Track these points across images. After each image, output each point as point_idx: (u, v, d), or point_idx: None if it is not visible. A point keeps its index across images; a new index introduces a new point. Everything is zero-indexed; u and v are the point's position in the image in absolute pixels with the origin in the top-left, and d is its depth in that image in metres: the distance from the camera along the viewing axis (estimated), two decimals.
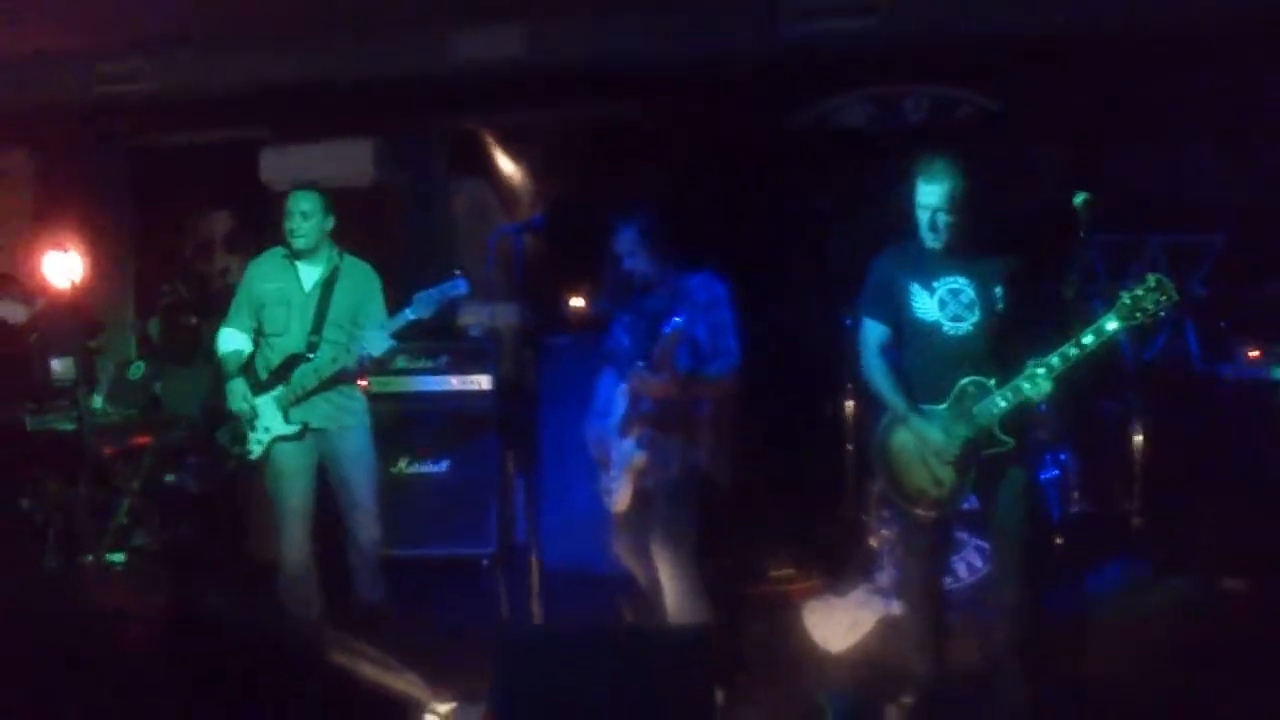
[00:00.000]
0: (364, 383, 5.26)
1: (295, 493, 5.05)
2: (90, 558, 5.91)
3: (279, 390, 4.97)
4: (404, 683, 3.86)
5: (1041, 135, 6.74)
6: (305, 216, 4.97)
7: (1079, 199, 3.89)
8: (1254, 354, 5.59)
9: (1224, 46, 5.96)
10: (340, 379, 4.97)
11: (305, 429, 4.97)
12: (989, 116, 6.83)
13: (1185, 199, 6.56)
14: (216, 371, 7.26)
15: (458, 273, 4.73)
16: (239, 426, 5.02)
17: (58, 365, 6.57)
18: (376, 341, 4.79)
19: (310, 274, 5.07)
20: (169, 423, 6.69)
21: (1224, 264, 6.47)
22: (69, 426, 5.94)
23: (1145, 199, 6.55)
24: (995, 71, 6.69)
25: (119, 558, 6.29)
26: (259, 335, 5.10)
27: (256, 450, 5.00)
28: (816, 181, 7.00)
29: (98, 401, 6.47)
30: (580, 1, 6.59)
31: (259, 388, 5.02)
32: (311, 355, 4.96)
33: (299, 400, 4.95)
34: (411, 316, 4.75)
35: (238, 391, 5.00)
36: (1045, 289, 4.21)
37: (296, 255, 5.04)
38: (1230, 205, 6.45)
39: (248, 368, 5.06)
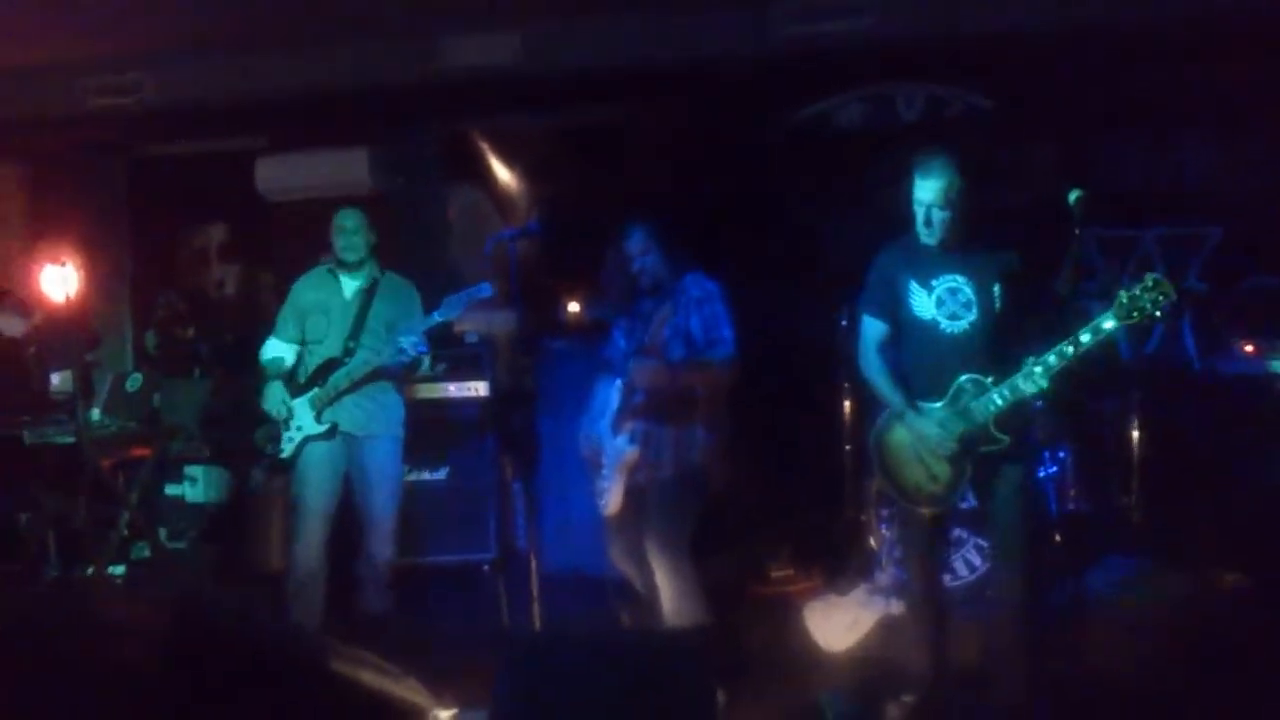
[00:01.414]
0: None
1: (318, 495, 5.17)
2: (90, 570, 5.91)
3: (314, 392, 5.18)
4: (406, 689, 3.86)
5: (1035, 132, 6.75)
6: (352, 232, 5.23)
7: (1073, 195, 3.90)
8: (1249, 348, 5.59)
9: (1216, 40, 5.97)
10: (375, 378, 5.14)
11: (335, 429, 5.14)
12: (982, 114, 6.84)
13: (1180, 193, 6.57)
14: (214, 382, 7.32)
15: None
16: (275, 428, 5.22)
17: (56, 378, 6.58)
18: (411, 341, 4.98)
19: (351, 284, 5.31)
20: (167, 434, 6.68)
21: (1219, 258, 6.47)
22: (67, 439, 5.94)
23: (1140, 194, 6.57)
24: (987, 69, 6.70)
25: (119, 569, 6.30)
26: (302, 344, 5.32)
27: (288, 449, 5.18)
28: (811, 182, 7.01)
29: (95, 414, 6.47)
30: (574, 7, 6.60)
31: (296, 391, 5.21)
32: (347, 360, 5.16)
33: (332, 401, 5.14)
34: (439, 319, 4.96)
35: (276, 395, 5.19)
36: (1041, 285, 4.22)
37: (344, 267, 5.26)
38: (1225, 198, 6.46)
39: (289, 374, 5.27)
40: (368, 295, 5.29)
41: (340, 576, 5.30)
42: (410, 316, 5.24)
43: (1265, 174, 6.33)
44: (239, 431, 6.91)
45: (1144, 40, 6.12)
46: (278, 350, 5.34)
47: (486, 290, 4.84)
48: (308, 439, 5.17)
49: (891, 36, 6.41)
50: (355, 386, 5.13)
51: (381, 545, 5.21)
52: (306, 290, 5.38)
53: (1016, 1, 6.18)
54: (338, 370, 5.16)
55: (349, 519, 5.25)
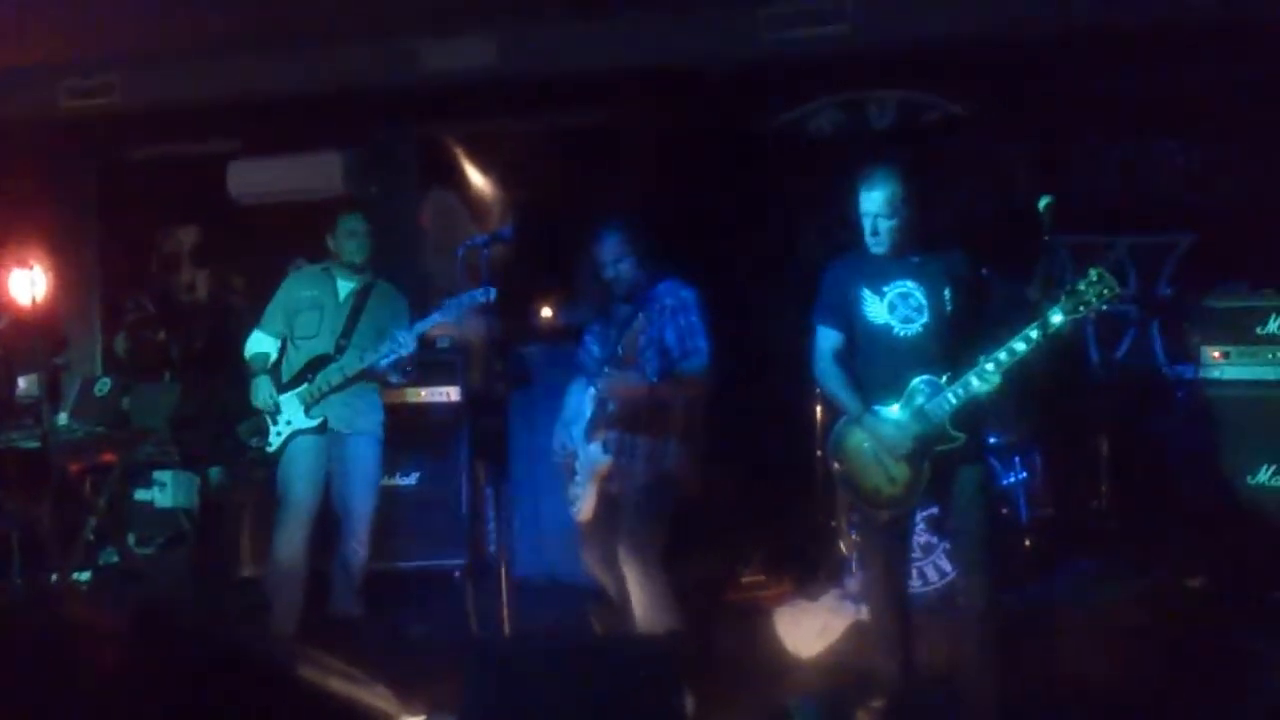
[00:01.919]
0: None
1: (306, 488, 5.21)
2: (55, 577, 5.85)
3: (303, 387, 5.22)
4: (374, 696, 3.84)
5: (1008, 138, 6.78)
6: (363, 235, 5.32)
7: (1042, 202, 3.92)
8: (1217, 354, 5.63)
9: (1190, 47, 6.01)
10: (364, 376, 5.21)
11: (325, 424, 5.20)
12: (956, 121, 6.86)
13: (1152, 200, 6.60)
14: (185, 386, 7.27)
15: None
16: (261, 421, 5.26)
17: (22, 382, 6.52)
18: (404, 341, 5.05)
19: (346, 285, 5.38)
20: (137, 438, 6.63)
21: (1190, 265, 6.51)
22: (33, 444, 5.88)
23: (1112, 200, 6.61)
24: (962, 77, 6.73)
25: (85, 576, 6.24)
26: (288, 340, 5.36)
27: (276, 442, 5.22)
28: (787, 187, 7.02)
29: (63, 418, 6.42)
30: (551, 11, 6.60)
31: (284, 387, 5.25)
32: (338, 357, 5.21)
33: (322, 397, 5.20)
34: (439, 319, 5.06)
35: (263, 388, 5.23)
36: (1009, 290, 4.26)
37: (343, 269, 5.34)
38: (1197, 206, 6.50)
39: (273, 368, 5.31)
40: (361, 297, 5.35)
41: (309, 579, 5.28)
42: (399, 322, 5.30)
43: (1236, 181, 6.38)
44: (209, 435, 6.89)
45: (1117, 47, 6.16)
46: (261, 344, 5.38)
47: (489, 294, 4.83)
48: (297, 433, 5.21)
49: (868, 43, 6.46)
50: (346, 384, 5.19)
51: (359, 545, 5.23)
52: (300, 287, 5.42)
53: (991, 9, 6.22)
54: (328, 366, 5.21)
55: (324, 520, 5.25)
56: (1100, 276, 3.86)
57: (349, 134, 7.42)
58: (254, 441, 5.30)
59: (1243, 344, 5.61)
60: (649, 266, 4.61)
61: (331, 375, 5.19)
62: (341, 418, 5.23)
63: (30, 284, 6.36)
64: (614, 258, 4.60)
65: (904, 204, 4.03)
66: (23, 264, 6.29)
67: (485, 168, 7.76)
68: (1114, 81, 6.44)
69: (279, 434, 5.22)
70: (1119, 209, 6.60)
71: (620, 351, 4.51)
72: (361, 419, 5.28)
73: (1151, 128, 6.56)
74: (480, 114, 7.42)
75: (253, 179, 7.41)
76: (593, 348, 4.72)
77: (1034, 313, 4.00)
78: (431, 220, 7.90)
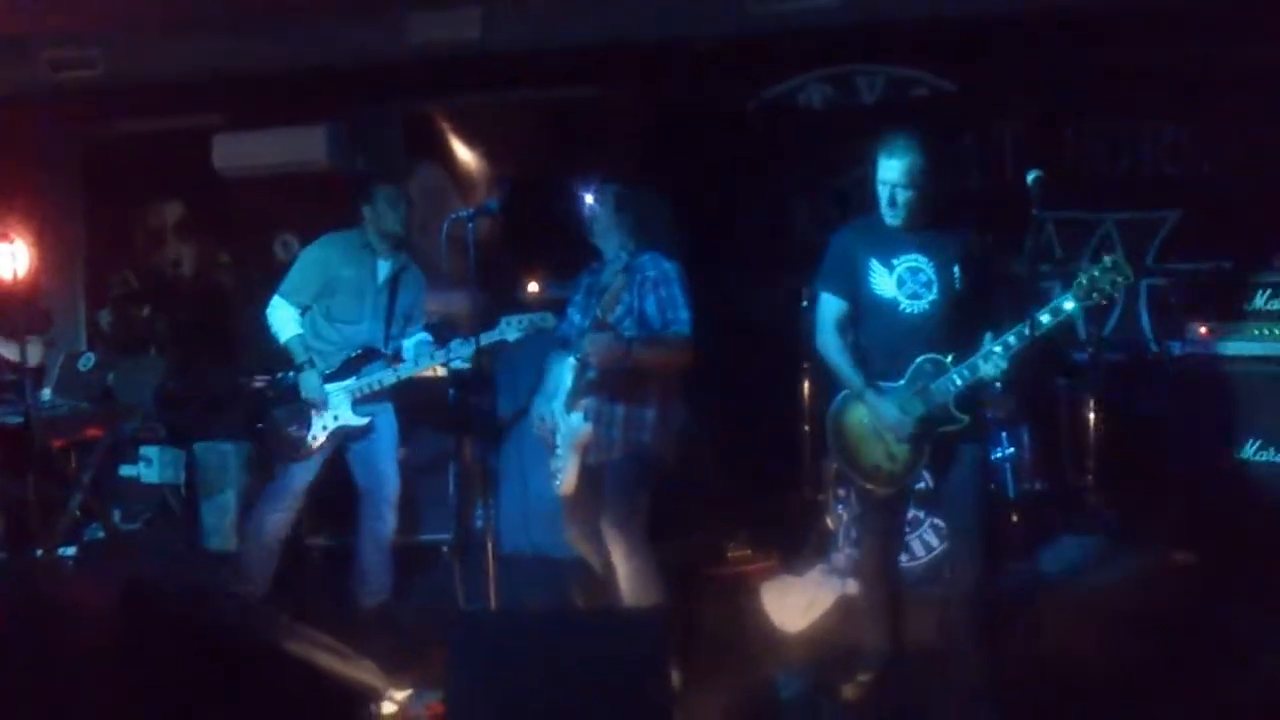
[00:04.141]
0: None
1: (304, 470, 5.17)
2: (40, 552, 5.82)
3: (350, 382, 5.14)
4: (360, 670, 3.85)
5: (996, 115, 6.77)
6: (398, 206, 5.18)
7: (1031, 176, 3.90)
8: (1204, 330, 5.64)
9: (1178, 24, 6.00)
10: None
11: (373, 423, 5.16)
12: (944, 97, 6.85)
13: (1139, 176, 6.61)
14: (170, 362, 7.24)
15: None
16: (302, 410, 5.12)
17: (33, 357, 6.46)
18: (459, 354, 5.01)
19: (385, 267, 5.25)
20: (122, 414, 6.60)
21: (1177, 241, 6.52)
22: (17, 419, 5.84)
23: (1100, 176, 6.61)
24: (950, 53, 6.71)
25: (70, 552, 6.22)
26: (315, 312, 5.21)
27: (320, 436, 5.12)
28: (773, 163, 7.01)
29: (47, 394, 6.38)
30: None
31: (329, 377, 5.15)
32: (389, 353, 5.18)
33: (373, 396, 5.15)
34: (498, 338, 4.87)
35: (313, 381, 5.09)
36: (998, 265, 4.24)
37: (390, 242, 5.20)
38: (1184, 182, 6.51)
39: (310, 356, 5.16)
40: (395, 283, 5.27)
41: (290, 558, 5.27)
42: (420, 307, 5.33)
43: (1223, 158, 6.38)
44: (194, 411, 6.86)
45: (1105, 24, 6.15)
46: (290, 322, 5.18)
47: (546, 320, 4.83)
48: (347, 431, 5.16)
49: (856, 17, 6.43)
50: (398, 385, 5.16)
51: (390, 512, 5.23)
52: (339, 262, 5.22)
53: None
54: (376, 362, 5.17)
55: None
56: (1115, 264, 3.81)
57: (334, 107, 7.37)
58: (291, 430, 5.11)
59: (1230, 320, 5.63)
60: (637, 236, 4.58)
61: (385, 376, 5.12)
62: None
63: (12, 258, 6.31)
64: (600, 224, 4.59)
65: (923, 175, 3.95)
66: (4, 238, 6.23)
67: (472, 141, 7.72)
68: (1102, 58, 6.43)
69: (324, 428, 5.12)
70: (1106, 185, 6.60)
71: (598, 315, 4.49)
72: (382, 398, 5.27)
73: (1139, 104, 6.56)
74: (466, 88, 7.37)
75: (238, 153, 7.36)
76: (575, 318, 4.70)
77: (1024, 288, 4.01)
78: (417, 194, 7.86)
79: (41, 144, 8.02)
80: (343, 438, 5.20)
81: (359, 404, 5.15)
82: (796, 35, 6.66)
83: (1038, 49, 6.45)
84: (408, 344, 5.23)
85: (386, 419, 5.28)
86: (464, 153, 7.73)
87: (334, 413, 5.14)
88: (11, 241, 6.14)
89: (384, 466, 5.25)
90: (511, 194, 4.87)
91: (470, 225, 4.68)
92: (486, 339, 4.85)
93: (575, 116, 7.28)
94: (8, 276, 6.07)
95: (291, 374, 5.17)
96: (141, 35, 7.11)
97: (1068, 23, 6.22)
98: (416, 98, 7.61)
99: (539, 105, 7.44)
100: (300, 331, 5.18)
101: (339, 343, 5.20)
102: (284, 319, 5.20)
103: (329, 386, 5.13)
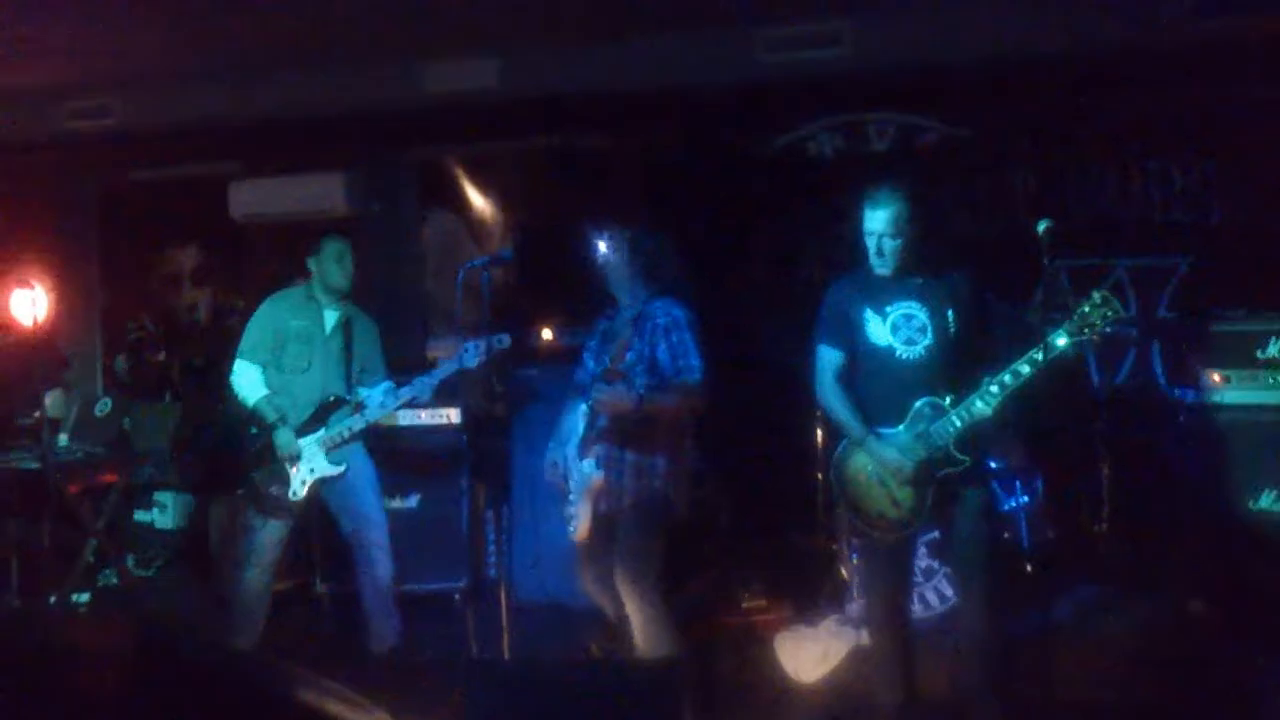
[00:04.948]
0: None
1: (283, 526, 5.17)
2: (53, 598, 5.82)
3: (321, 433, 5.16)
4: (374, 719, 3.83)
5: (1008, 161, 6.79)
6: (343, 260, 5.24)
7: (1041, 226, 3.92)
8: (1217, 377, 5.62)
9: (1189, 70, 6.03)
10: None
11: (348, 470, 5.17)
12: (955, 144, 6.88)
13: (1151, 223, 6.61)
14: (186, 408, 7.26)
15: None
16: (280, 469, 5.13)
17: (48, 400, 6.50)
18: (423, 389, 5.08)
19: (331, 316, 5.31)
20: (136, 460, 6.61)
21: (1189, 288, 6.51)
22: (33, 465, 5.86)
23: (1111, 224, 6.62)
24: (961, 99, 6.75)
25: (84, 597, 6.21)
26: (273, 370, 5.25)
27: (301, 491, 5.14)
28: (787, 209, 7.03)
29: (63, 439, 6.40)
30: (552, 34, 6.62)
31: (299, 431, 5.16)
32: (347, 398, 5.21)
33: (344, 443, 5.16)
34: (457, 367, 5.02)
35: (285, 437, 5.11)
36: (1007, 312, 4.25)
37: (329, 297, 5.27)
38: (1196, 229, 6.50)
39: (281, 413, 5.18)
40: (347, 330, 5.30)
41: (299, 604, 5.25)
42: (377, 354, 5.35)
43: (1235, 204, 6.39)
44: (209, 459, 6.86)
45: (1115, 70, 6.18)
46: (255, 384, 5.22)
47: (506, 341, 4.93)
48: (322, 480, 5.16)
49: (866, 66, 6.48)
50: (366, 430, 5.19)
51: (383, 555, 5.19)
52: (287, 315, 5.30)
53: (988, 33, 6.24)
54: (341, 410, 5.19)
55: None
56: (1104, 299, 3.86)
57: (350, 155, 7.43)
58: (273, 490, 5.12)
59: (1243, 368, 5.60)
60: (650, 282, 4.59)
61: (353, 422, 5.14)
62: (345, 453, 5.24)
63: (32, 304, 6.36)
64: (618, 268, 4.59)
65: (909, 224, 4.01)
66: (24, 284, 6.28)
67: (486, 189, 7.78)
68: (1112, 104, 6.46)
69: (303, 481, 5.14)
70: (1118, 232, 6.60)
71: (608, 363, 4.50)
72: (357, 446, 5.29)
73: (1150, 150, 6.57)
74: (481, 135, 7.44)
75: (254, 199, 7.43)
76: (589, 364, 4.71)
77: (1035, 337, 4.01)
78: (433, 241, 7.92)
79: (60, 191, 8.10)
80: (321, 487, 5.20)
81: (331, 453, 5.16)
82: (807, 84, 6.71)
83: (1049, 95, 6.49)
84: (374, 391, 5.25)
85: (360, 460, 5.27)
86: (478, 199, 7.79)
87: (309, 465, 5.15)
88: (32, 288, 6.19)
89: (366, 509, 5.23)
90: (525, 241, 4.89)
91: (485, 274, 4.72)
92: (446, 368, 5.03)
93: (588, 164, 7.33)
94: (28, 322, 6.11)
95: (257, 431, 5.18)
96: (158, 84, 7.19)
97: (1079, 69, 6.26)
98: (434, 145, 7.67)
99: (552, 153, 7.50)
100: (266, 392, 5.22)
101: (294, 393, 5.21)
102: (249, 381, 5.25)
103: (301, 440, 5.14)
